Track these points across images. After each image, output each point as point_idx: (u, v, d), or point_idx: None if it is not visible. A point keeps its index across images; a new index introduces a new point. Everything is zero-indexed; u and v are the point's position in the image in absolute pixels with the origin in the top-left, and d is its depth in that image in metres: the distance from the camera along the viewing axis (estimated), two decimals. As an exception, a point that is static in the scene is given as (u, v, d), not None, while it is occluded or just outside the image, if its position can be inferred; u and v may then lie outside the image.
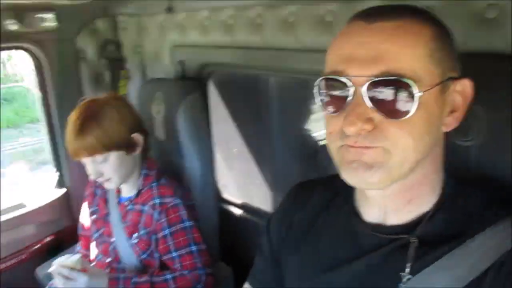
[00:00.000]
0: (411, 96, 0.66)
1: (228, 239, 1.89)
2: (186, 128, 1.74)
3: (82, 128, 1.44)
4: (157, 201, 1.57)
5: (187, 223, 1.58)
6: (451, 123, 0.74)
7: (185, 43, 1.86)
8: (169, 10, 1.79)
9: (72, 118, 1.48)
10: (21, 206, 2.06)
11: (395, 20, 0.69)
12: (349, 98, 0.69)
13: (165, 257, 1.57)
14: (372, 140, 0.69)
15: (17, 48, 2.03)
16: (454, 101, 0.73)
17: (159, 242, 1.57)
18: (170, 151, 1.82)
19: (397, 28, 0.68)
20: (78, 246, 1.85)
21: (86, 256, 1.78)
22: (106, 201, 1.71)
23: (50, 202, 2.12)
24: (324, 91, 0.73)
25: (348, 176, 0.73)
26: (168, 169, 1.75)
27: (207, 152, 1.82)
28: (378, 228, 0.80)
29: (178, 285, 1.52)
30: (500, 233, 0.71)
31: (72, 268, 1.42)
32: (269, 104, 1.93)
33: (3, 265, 1.98)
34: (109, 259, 1.64)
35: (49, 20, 1.92)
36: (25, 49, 1.98)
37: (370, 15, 0.71)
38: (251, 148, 1.92)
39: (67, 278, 1.41)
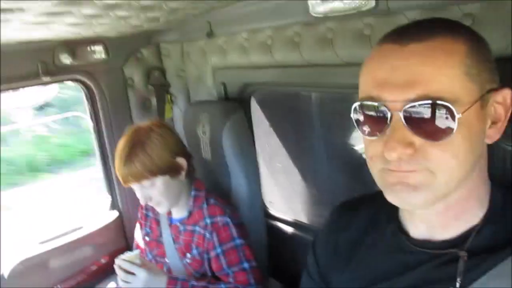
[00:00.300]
0: (452, 117, 0.65)
1: (277, 255, 1.91)
2: (231, 147, 1.79)
3: (129, 155, 1.52)
4: (208, 221, 1.61)
5: (238, 241, 1.61)
6: (494, 135, 0.73)
7: (226, 65, 1.92)
8: (210, 35, 1.86)
9: (120, 146, 1.57)
10: (79, 228, 2.17)
11: (427, 41, 0.68)
12: (387, 123, 0.68)
13: (218, 274, 1.61)
14: (415, 164, 0.68)
15: (70, 80, 2.17)
16: (495, 113, 0.72)
17: (212, 261, 1.61)
18: (217, 170, 1.87)
19: (431, 49, 0.67)
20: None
21: None
22: (158, 223, 1.77)
23: (105, 225, 2.21)
24: (361, 116, 0.73)
25: (393, 199, 0.73)
26: (215, 188, 1.79)
27: (253, 169, 1.86)
28: (426, 243, 0.79)
29: None
30: None
31: (132, 263, 1.48)
32: (311, 119, 1.95)
33: (64, 286, 2.08)
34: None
35: (98, 52, 2.05)
36: (77, 80, 2.10)
37: (402, 36, 0.70)
38: (295, 163, 1.94)
39: (127, 272, 1.47)
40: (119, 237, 2.25)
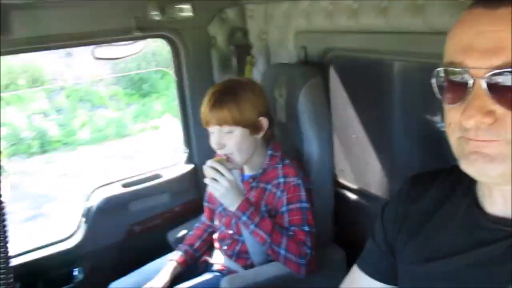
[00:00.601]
0: None
1: (342, 222, 1.92)
2: (306, 112, 1.79)
3: (219, 99, 1.60)
4: (281, 180, 1.66)
5: (304, 204, 1.65)
6: None
7: (308, 29, 1.90)
8: (295, -4, 1.85)
9: (212, 89, 1.67)
10: (158, 176, 2.33)
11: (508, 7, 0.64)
12: (469, 90, 0.66)
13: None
14: (494, 133, 0.66)
15: (158, 36, 2.28)
16: None
17: (276, 217, 1.66)
18: (290, 133, 1.89)
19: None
20: (203, 217, 2.03)
21: (209, 225, 1.97)
22: None
23: (181, 176, 2.35)
24: (443, 82, 0.71)
25: (468, 168, 0.71)
26: (287, 151, 1.82)
27: (326, 136, 1.86)
28: (503, 221, 0.76)
29: (289, 245, 1.59)
30: None
31: (223, 166, 1.57)
32: (391, 90, 1.88)
33: (139, 228, 2.27)
34: (230, 231, 1.78)
35: (186, 10, 2.11)
36: (165, 37, 2.20)
37: (491, 0, 0.66)
38: (370, 134, 1.90)
39: (217, 171, 1.56)
40: (193, 188, 2.38)
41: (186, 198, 2.37)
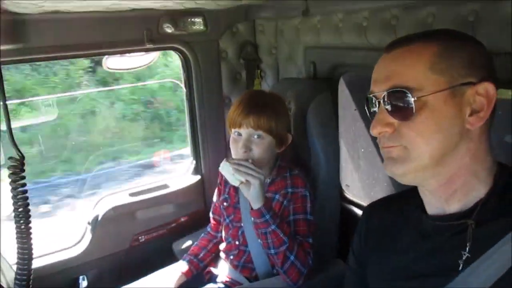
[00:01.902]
0: (409, 101, 0.83)
1: (347, 237, 1.91)
2: (314, 126, 1.81)
3: (260, 105, 1.65)
4: (290, 190, 1.69)
5: (310, 217, 1.67)
6: (475, 122, 0.85)
7: (318, 44, 1.93)
8: (305, 13, 1.88)
9: (248, 95, 1.72)
10: (165, 186, 2.35)
11: (406, 46, 0.88)
12: (375, 109, 0.91)
13: None
14: (393, 140, 0.87)
15: (169, 48, 2.32)
16: (475, 103, 0.85)
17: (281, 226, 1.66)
18: (298, 147, 1.91)
19: (405, 51, 0.87)
20: (208, 228, 2.04)
21: (215, 236, 1.97)
22: (236, 190, 1.84)
23: (188, 187, 2.37)
24: (367, 107, 0.95)
25: (385, 168, 0.91)
26: (294, 164, 1.83)
27: (333, 150, 1.87)
28: (439, 217, 0.93)
29: (298, 252, 1.60)
30: None
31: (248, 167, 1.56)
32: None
33: (145, 237, 2.28)
34: (237, 242, 1.79)
35: (198, 23, 2.16)
36: (176, 49, 2.24)
37: (391, 45, 0.91)
38: (378, 150, 1.91)
39: (246, 168, 1.55)
40: (199, 199, 2.39)
41: (192, 209, 2.38)
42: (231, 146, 1.70)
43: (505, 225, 0.82)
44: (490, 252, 0.82)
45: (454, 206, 0.91)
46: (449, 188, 0.89)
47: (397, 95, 0.85)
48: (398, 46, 0.89)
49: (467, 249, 0.84)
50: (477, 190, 0.89)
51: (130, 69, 2.55)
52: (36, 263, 2.02)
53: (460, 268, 0.85)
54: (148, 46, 2.06)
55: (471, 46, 0.88)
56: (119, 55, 2.19)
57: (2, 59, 1.66)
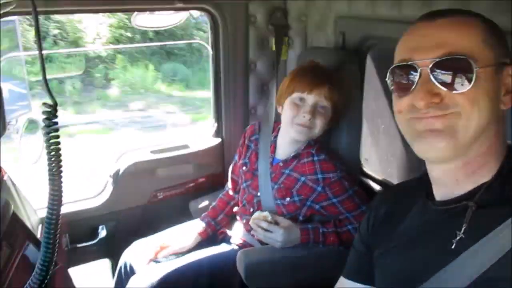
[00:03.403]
0: (471, 70, 0.80)
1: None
2: (339, 98, 1.79)
3: (332, 79, 1.69)
4: (320, 176, 1.68)
5: (351, 191, 1.69)
6: (508, 102, 0.85)
7: (349, 14, 1.89)
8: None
9: (318, 65, 1.74)
10: (186, 146, 2.39)
11: (451, 17, 0.85)
12: (417, 79, 0.83)
13: (338, 217, 1.72)
14: (444, 108, 0.82)
15: (198, 9, 2.31)
16: (509, 84, 0.84)
17: (327, 207, 1.71)
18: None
19: (454, 21, 0.84)
20: (226, 187, 2.07)
21: (233, 198, 2.02)
22: (257, 156, 1.85)
23: (208, 149, 2.40)
24: (395, 77, 0.88)
25: (418, 146, 0.86)
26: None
27: (355, 124, 1.86)
28: (445, 202, 0.91)
29: (343, 231, 1.68)
30: None
31: (269, 222, 1.67)
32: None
33: (163, 194, 2.34)
34: (251, 209, 1.82)
35: (227, -16, 2.13)
36: (205, 10, 2.22)
37: (431, 15, 0.87)
38: (398, 128, 1.90)
39: (265, 230, 1.67)
40: (218, 162, 2.43)
41: (210, 171, 2.42)
42: (289, 111, 1.68)
43: (506, 210, 0.81)
44: (489, 236, 0.81)
45: (464, 189, 0.89)
46: (467, 170, 0.88)
47: (455, 63, 0.81)
48: (442, 15, 0.86)
49: (463, 229, 0.84)
50: (485, 172, 0.88)
51: (159, 27, 2.55)
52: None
53: (453, 247, 0.85)
54: (177, 5, 2.05)
55: (501, 30, 0.88)
56: (148, 12, 2.19)
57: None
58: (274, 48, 2.28)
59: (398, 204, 1.06)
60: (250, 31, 2.29)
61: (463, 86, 0.80)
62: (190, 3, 2.13)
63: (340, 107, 1.70)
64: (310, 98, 1.64)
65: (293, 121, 1.66)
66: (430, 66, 0.82)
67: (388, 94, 1.95)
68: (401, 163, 1.73)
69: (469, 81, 0.80)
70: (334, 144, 1.87)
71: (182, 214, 2.21)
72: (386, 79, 0.91)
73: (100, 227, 2.19)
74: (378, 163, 1.91)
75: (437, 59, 0.81)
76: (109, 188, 2.24)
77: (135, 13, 2.13)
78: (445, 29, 0.84)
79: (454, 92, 0.81)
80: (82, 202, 2.20)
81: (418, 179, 1.03)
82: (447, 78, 0.81)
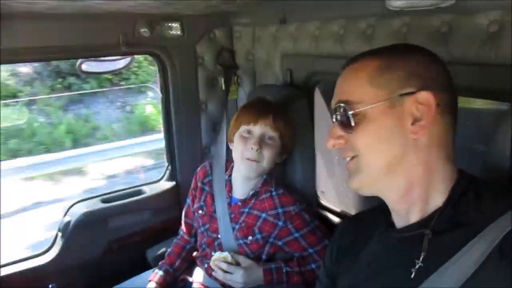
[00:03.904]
0: (349, 113, 0.89)
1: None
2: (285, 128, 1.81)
3: (278, 110, 1.69)
4: (280, 210, 1.67)
5: (312, 224, 1.68)
6: (417, 131, 0.87)
7: (295, 52, 1.94)
8: (283, 21, 1.90)
9: (263, 98, 1.76)
10: (139, 192, 2.31)
11: (352, 64, 0.95)
12: (332, 122, 0.95)
13: (301, 254, 1.69)
14: (346, 151, 0.93)
15: (146, 53, 2.30)
16: (416, 112, 0.87)
17: (289, 243, 1.68)
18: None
19: (350, 69, 0.94)
20: (181, 231, 2.00)
21: (188, 241, 1.95)
22: (213, 198, 1.81)
23: (162, 192, 2.34)
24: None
25: (347, 185, 0.96)
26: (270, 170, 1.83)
27: (309, 157, 1.88)
28: (403, 229, 0.94)
29: (306, 268, 1.66)
30: (505, 220, 0.80)
31: (229, 263, 1.63)
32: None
33: (119, 244, 2.23)
34: (213, 252, 1.75)
35: (175, 28, 2.15)
36: (153, 54, 2.22)
37: (345, 65, 0.97)
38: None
39: (225, 271, 1.63)
40: (174, 206, 2.36)
41: (166, 216, 2.35)
42: (237, 146, 1.67)
43: (459, 236, 0.83)
44: (448, 264, 0.82)
45: (415, 216, 0.92)
46: (408, 199, 0.91)
47: (340, 109, 0.91)
48: (349, 63, 0.96)
49: (421, 258, 0.86)
50: (436, 199, 0.90)
51: (105, 72, 2.51)
52: (3, 271, 1.96)
53: (412, 276, 0.87)
54: (124, 50, 2.03)
55: (415, 58, 0.92)
56: (93, 58, 2.15)
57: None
58: (223, 88, 2.30)
59: (360, 234, 1.08)
60: (199, 72, 2.30)
61: (350, 128, 0.90)
62: (137, 48, 2.11)
63: (287, 138, 1.70)
64: (257, 129, 1.64)
65: (242, 155, 1.65)
66: (332, 112, 0.94)
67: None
68: (358, 194, 1.75)
69: (350, 123, 0.89)
70: (289, 179, 1.87)
71: (139, 264, 2.12)
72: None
73: (51, 286, 2.04)
74: (335, 194, 1.93)
75: (333, 107, 0.94)
76: (58, 243, 2.11)
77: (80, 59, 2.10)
78: (343, 78, 0.96)
79: (348, 134, 0.91)
80: (28, 261, 2.05)
81: (379, 207, 1.04)
82: (340, 122, 0.92)
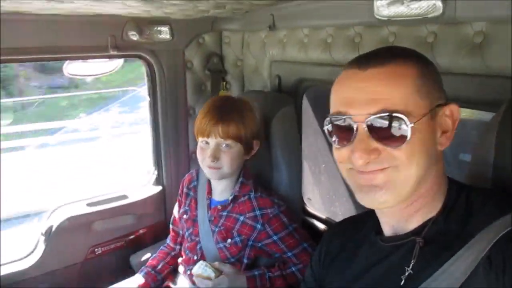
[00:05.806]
0: (406, 126, 0.80)
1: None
2: (277, 139, 1.82)
3: (227, 113, 1.62)
4: (258, 212, 1.67)
5: (290, 227, 1.67)
6: (444, 142, 0.87)
7: (283, 58, 1.95)
8: (272, 27, 1.90)
9: (215, 103, 1.68)
10: (124, 197, 2.28)
11: (383, 66, 0.84)
12: (354, 133, 0.83)
13: (281, 256, 1.68)
14: (382, 162, 0.82)
15: (134, 56, 2.28)
16: (444, 124, 0.86)
17: (270, 246, 1.67)
18: (261, 159, 1.90)
19: (388, 72, 0.83)
20: (168, 239, 1.99)
21: (173, 249, 1.94)
22: (196, 203, 1.81)
23: (148, 198, 2.31)
24: (331, 128, 0.89)
25: (362, 199, 0.87)
26: (256, 176, 1.83)
27: (295, 163, 1.88)
28: (393, 238, 0.93)
29: (288, 273, 1.66)
30: (494, 229, 0.80)
31: (209, 278, 1.58)
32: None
33: (102, 249, 2.20)
34: (195, 257, 1.75)
35: (164, 32, 2.14)
36: (141, 57, 2.20)
37: (362, 63, 0.86)
38: (339, 165, 1.95)
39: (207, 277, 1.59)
40: (159, 211, 2.34)
41: (152, 221, 2.33)
42: (198, 155, 1.67)
43: (449, 244, 0.83)
44: (438, 272, 0.82)
45: (413, 225, 0.91)
46: (412, 209, 0.89)
47: (389, 120, 0.80)
48: (373, 65, 0.84)
49: (411, 265, 0.86)
50: (434, 208, 0.90)
51: (92, 75, 2.48)
52: (-18, 276, 1.92)
53: (402, 283, 0.86)
54: (112, 53, 2.01)
55: (429, 65, 0.90)
56: (81, 60, 2.13)
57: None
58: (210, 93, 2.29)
59: (349, 241, 1.06)
60: (188, 77, 2.30)
61: (399, 142, 0.81)
62: (125, 51, 2.10)
63: (248, 137, 1.65)
64: (212, 141, 1.63)
65: (203, 164, 1.67)
66: (367, 122, 0.81)
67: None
68: (345, 201, 1.76)
69: (405, 137, 0.80)
70: (276, 185, 1.87)
71: (123, 270, 2.09)
72: (324, 127, 0.91)
73: (32, 291, 2.01)
74: (321, 202, 1.94)
75: (372, 116, 0.81)
76: (41, 247, 2.07)
77: (67, 61, 2.07)
78: (378, 83, 0.82)
79: (390, 147, 0.81)
80: (10, 264, 2.01)
81: (367, 214, 1.03)
82: (384, 134, 0.81)
